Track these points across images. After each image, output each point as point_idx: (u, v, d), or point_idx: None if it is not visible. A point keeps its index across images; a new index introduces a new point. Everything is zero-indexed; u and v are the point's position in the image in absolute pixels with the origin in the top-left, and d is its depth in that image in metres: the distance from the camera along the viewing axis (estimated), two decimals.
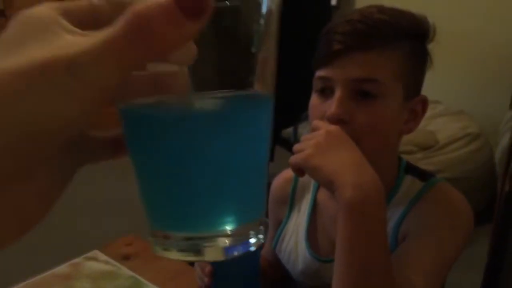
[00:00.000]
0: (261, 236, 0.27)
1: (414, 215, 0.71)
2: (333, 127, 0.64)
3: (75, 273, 0.79)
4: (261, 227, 0.27)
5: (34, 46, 0.21)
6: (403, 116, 0.71)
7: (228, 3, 0.23)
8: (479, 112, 2.53)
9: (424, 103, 0.75)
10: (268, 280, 0.91)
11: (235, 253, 0.26)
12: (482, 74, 2.61)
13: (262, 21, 0.24)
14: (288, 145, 2.24)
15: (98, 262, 0.83)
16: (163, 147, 0.25)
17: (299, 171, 0.64)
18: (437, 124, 2.35)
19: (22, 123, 0.20)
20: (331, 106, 0.67)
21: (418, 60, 0.72)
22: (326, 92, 0.70)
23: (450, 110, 2.44)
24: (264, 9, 0.24)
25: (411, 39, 0.70)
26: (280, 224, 0.88)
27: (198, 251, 0.25)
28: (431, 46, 0.75)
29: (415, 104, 0.73)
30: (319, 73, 0.71)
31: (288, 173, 0.89)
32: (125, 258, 0.84)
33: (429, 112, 2.75)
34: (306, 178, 0.82)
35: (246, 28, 0.24)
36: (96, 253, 0.86)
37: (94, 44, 0.20)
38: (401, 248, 0.68)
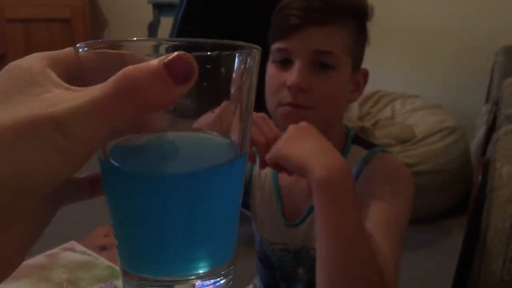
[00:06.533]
0: (231, 276, 0.28)
1: (361, 184, 0.76)
2: (302, 123, 0.68)
3: (51, 264, 0.78)
4: (232, 267, 0.28)
5: (20, 100, 0.21)
6: (349, 87, 0.79)
7: (209, 54, 0.23)
8: (456, 106, 2.59)
9: (366, 75, 0.82)
10: None
11: None
12: (459, 69, 2.66)
13: (239, 76, 0.25)
14: None
15: (75, 253, 0.82)
16: (138, 201, 0.25)
17: (274, 166, 0.67)
18: (415, 118, 2.39)
19: (8, 178, 0.20)
20: (292, 76, 0.72)
21: (362, 37, 0.79)
22: (284, 63, 0.75)
23: (428, 104, 2.48)
24: (241, 65, 0.25)
25: (356, 17, 0.77)
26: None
27: None
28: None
29: (358, 76, 0.80)
30: (278, 45, 0.76)
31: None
32: (102, 249, 0.84)
33: (407, 106, 2.78)
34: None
35: (225, 79, 0.25)
36: (73, 243, 0.85)
37: (82, 103, 0.20)
38: None
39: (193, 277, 0.26)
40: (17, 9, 3.41)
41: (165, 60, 0.20)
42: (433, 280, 1.73)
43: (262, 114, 0.71)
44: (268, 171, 0.88)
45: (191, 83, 0.21)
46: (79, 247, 0.84)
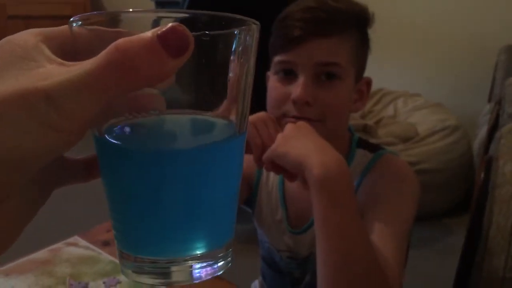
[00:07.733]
0: (229, 259, 0.28)
1: (366, 186, 0.76)
2: (299, 122, 0.68)
3: (54, 259, 0.78)
4: (230, 250, 0.28)
5: (13, 74, 0.20)
6: (353, 96, 0.78)
7: (207, 33, 0.22)
8: (458, 105, 2.58)
9: (369, 84, 0.81)
10: None
11: (203, 276, 0.26)
12: (462, 68, 2.66)
13: (238, 54, 0.24)
14: None
15: (78, 248, 0.82)
16: (135, 179, 0.25)
17: (271, 165, 0.66)
18: (418, 117, 2.39)
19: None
20: (297, 89, 0.71)
21: (365, 46, 0.78)
22: (287, 74, 0.74)
23: (430, 102, 2.48)
24: (240, 43, 0.24)
25: (359, 26, 0.76)
26: (251, 184, 0.90)
27: (166, 274, 0.26)
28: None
29: (361, 85, 0.79)
30: (281, 57, 0.74)
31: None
32: (105, 244, 0.84)
33: (409, 105, 2.79)
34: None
35: (222, 57, 0.24)
36: (76, 239, 0.85)
37: (74, 76, 0.20)
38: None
39: (190, 258, 0.26)
40: (18, 6, 3.41)
41: (159, 32, 0.19)
42: (435, 278, 1.73)
43: (265, 116, 0.70)
44: (275, 178, 0.87)
45: (187, 55, 0.20)
46: (82, 242, 0.84)
